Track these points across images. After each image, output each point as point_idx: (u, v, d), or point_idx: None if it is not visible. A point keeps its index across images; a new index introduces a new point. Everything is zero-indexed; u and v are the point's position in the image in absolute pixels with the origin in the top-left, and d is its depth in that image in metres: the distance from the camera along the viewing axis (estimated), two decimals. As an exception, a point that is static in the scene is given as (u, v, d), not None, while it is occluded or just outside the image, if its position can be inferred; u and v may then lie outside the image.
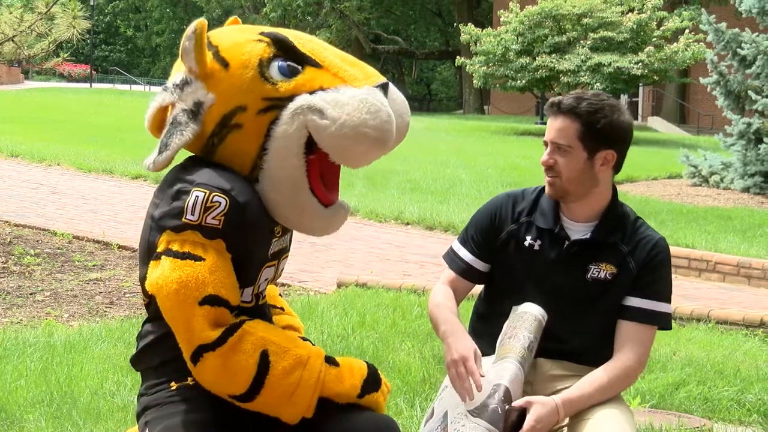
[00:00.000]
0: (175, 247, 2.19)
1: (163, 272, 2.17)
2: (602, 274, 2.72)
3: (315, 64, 2.29)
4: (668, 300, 2.76)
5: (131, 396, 4.03)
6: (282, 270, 2.47)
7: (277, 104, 2.25)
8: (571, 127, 2.67)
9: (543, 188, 2.80)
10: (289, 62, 2.29)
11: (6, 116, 22.56)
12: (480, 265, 2.83)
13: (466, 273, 2.84)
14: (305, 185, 2.28)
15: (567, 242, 2.74)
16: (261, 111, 2.25)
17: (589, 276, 2.72)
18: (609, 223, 2.74)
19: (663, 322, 2.76)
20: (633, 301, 2.72)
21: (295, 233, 2.48)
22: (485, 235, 2.82)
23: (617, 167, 2.75)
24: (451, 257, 2.87)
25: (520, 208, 2.81)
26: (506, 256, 2.79)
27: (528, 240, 2.77)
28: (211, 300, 2.16)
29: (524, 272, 2.76)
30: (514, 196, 2.85)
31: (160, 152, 2.28)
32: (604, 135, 2.67)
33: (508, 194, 2.88)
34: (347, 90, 2.23)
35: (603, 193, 2.75)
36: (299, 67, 2.29)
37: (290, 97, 2.25)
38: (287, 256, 2.48)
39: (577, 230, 2.75)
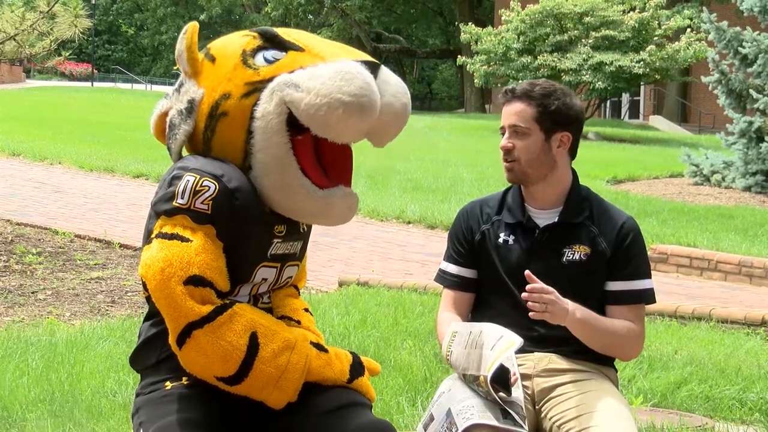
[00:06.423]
0: (165, 230, 2.22)
1: (151, 253, 2.20)
2: (577, 256, 2.80)
3: (297, 49, 2.32)
4: (648, 275, 2.85)
5: (133, 395, 4.03)
6: (288, 277, 2.47)
7: (258, 87, 2.27)
8: (526, 110, 2.79)
9: (507, 189, 2.92)
10: (273, 51, 2.33)
11: (7, 115, 22.57)
12: (468, 272, 2.91)
13: (460, 285, 2.92)
14: (292, 164, 2.27)
15: (537, 230, 2.82)
16: (243, 96, 2.28)
17: (564, 259, 2.80)
18: (574, 204, 2.84)
19: (648, 298, 2.85)
20: (616, 285, 2.81)
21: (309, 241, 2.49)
22: (462, 243, 2.92)
23: (573, 150, 2.85)
24: (441, 276, 2.97)
25: (489, 210, 2.92)
26: (485, 257, 2.88)
27: (501, 237, 2.86)
28: (196, 280, 2.17)
29: (504, 268, 2.84)
30: (480, 201, 2.97)
31: (170, 154, 2.40)
32: (558, 116, 2.79)
33: (473, 201, 3.00)
34: (325, 65, 2.25)
35: (562, 177, 2.85)
36: (283, 53, 2.32)
37: (270, 79, 2.27)
38: (296, 264, 2.47)
39: (545, 217, 2.84)
